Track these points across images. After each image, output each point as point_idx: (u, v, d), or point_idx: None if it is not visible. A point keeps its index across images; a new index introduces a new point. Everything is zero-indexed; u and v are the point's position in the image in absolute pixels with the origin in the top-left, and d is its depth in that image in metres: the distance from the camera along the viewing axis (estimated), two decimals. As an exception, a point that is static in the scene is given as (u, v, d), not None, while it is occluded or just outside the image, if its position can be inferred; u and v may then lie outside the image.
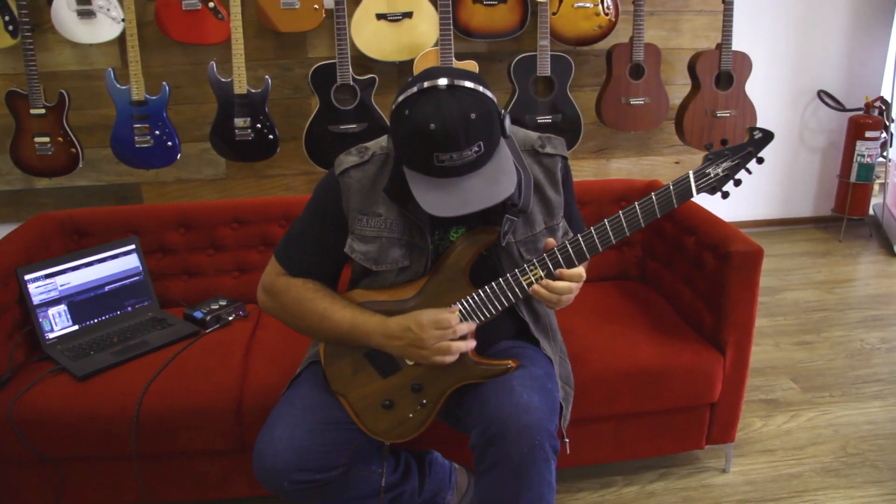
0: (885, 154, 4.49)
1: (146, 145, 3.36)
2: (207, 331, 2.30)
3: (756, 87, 3.91)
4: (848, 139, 4.48)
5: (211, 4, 3.28)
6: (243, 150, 3.45)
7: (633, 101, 3.72)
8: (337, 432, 1.71)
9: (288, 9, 3.35)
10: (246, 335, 2.30)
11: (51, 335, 2.22)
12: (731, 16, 3.68)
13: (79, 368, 2.06)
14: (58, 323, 2.25)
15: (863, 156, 4.39)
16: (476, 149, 1.47)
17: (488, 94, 1.51)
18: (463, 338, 1.64)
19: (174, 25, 3.32)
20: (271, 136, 3.44)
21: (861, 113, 4.42)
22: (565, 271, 1.63)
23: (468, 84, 1.48)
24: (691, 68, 3.84)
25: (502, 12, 3.53)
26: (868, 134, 4.34)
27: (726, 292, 2.14)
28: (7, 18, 3.23)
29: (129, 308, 2.40)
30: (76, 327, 2.28)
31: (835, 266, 4.17)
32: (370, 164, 1.71)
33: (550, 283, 1.63)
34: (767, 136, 1.57)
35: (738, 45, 3.75)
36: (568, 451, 1.80)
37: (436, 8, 3.40)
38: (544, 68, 3.54)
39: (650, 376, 2.13)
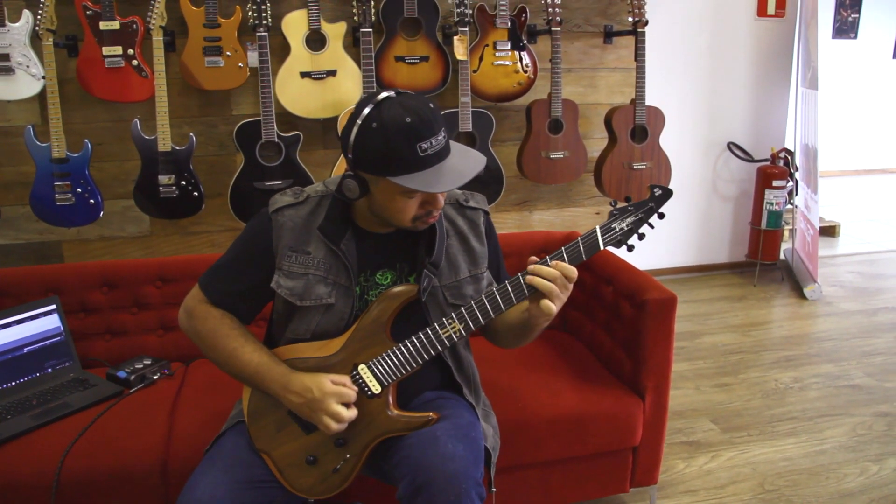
0: (792, 202, 4.73)
1: (67, 203, 3.31)
2: (131, 391, 2.27)
3: (670, 140, 4.09)
4: (757, 188, 4.71)
5: (135, 62, 3.28)
6: (168, 207, 3.42)
7: (553, 155, 3.84)
8: (259, 491, 1.69)
9: (213, 67, 3.38)
10: (171, 394, 2.27)
11: (-35, 400, 2.15)
12: (644, 73, 3.86)
13: (-6, 434, 2.00)
14: (-27, 387, 2.18)
15: (771, 204, 4.61)
16: (443, 134, 1.58)
17: None
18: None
19: (97, 83, 3.31)
20: (196, 193, 3.43)
21: (768, 163, 4.65)
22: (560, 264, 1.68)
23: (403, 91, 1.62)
24: (608, 123, 3.99)
25: (425, 70, 3.62)
26: (775, 183, 4.58)
27: (643, 339, 2.22)
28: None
29: (49, 369, 2.35)
30: (-8, 391, 2.22)
31: (750, 309, 4.35)
32: (304, 205, 1.76)
33: (541, 268, 1.68)
34: (667, 193, 1.68)
35: (651, 100, 3.92)
36: (493, 502, 1.83)
37: (359, 66, 3.48)
38: (466, 124, 3.64)
39: (573, 422, 2.18)
